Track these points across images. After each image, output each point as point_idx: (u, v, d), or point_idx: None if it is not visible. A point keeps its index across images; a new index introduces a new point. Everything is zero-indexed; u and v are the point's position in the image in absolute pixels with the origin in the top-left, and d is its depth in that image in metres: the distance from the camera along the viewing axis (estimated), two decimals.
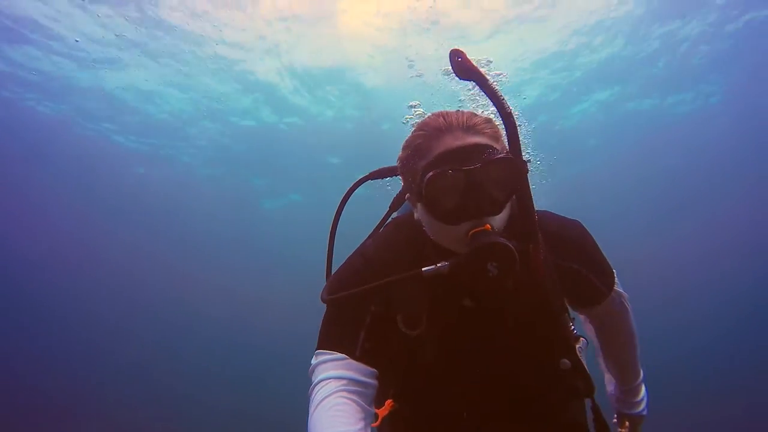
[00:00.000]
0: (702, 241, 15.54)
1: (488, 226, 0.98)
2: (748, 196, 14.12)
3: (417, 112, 5.11)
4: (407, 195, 1.15)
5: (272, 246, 16.72)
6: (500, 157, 0.98)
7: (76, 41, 7.83)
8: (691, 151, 12.78)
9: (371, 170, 1.36)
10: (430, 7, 7.51)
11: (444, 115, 1.05)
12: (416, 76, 6.87)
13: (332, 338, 1.10)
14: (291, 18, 8.05)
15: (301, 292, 8.34)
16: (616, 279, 1.29)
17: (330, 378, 1.02)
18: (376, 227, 1.34)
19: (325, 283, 1.24)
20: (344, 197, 1.37)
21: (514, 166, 0.99)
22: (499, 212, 1.01)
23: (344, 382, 1.02)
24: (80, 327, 15.50)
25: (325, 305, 1.15)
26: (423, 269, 1.03)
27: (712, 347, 14.11)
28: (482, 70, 1.10)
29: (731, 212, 14.60)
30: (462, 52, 1.07)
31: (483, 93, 1.05)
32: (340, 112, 11.09)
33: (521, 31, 8.46)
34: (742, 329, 14.60)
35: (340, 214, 1.38)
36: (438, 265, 1.02)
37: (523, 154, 1.04)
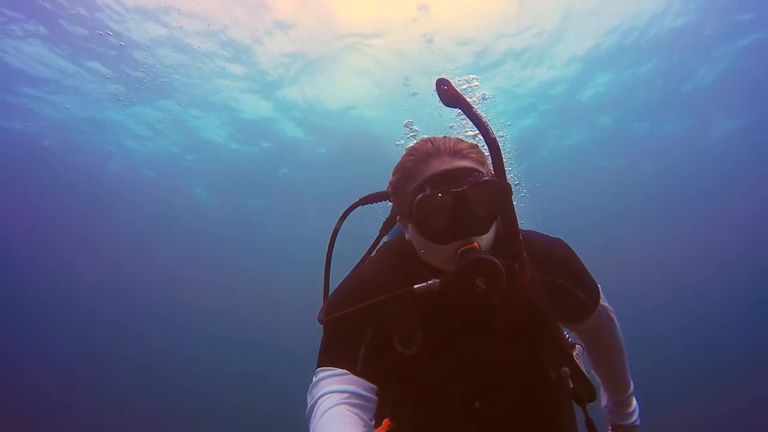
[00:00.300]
0: (697, 242, 15.64)
1: (476, 244, 1.02)
2: (741, 199, 14.22)
3: (412, 132, 5.24)
4: (398, 217, 1.20)
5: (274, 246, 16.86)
6: (486, 180, 1.03)
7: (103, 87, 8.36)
8: (686, 160, 13.00)
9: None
10: (428, 33, 7.79)
11: (432, 141, 1.10)
12: (411, 95, 7.12)
13: (332, 355, 1.12)
14: (292, 55, 8.44)
15: (301, 290, 8.40)
16: (601, 293, 1.33)
17: (333, 392, 1.04)
18: (369, 250, 1.37)
19: (321, 305, 1.27)
20: (338, 222, 1.39)
21: (498, 188, 1.04)
22: (486, 231, 1.05)
23: (347, 395, 1.04)
24: (86, 329, 15.89)
25: (323, 326, 1.18)
26: (414, 287, 1.07)
27: (706, 348, 14.23)
28: (468, 97, 1.17)
29: (724, 215, 14.72)
30: (448, 80, 1.14)
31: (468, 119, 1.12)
32: (339, 145, 11.44)
33: (524, 60, 8.81)
34: (736, 330, 14.70)
35: (335, 239, 1.39)
36: (429, 282, 1.06)
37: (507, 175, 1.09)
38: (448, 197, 1.01)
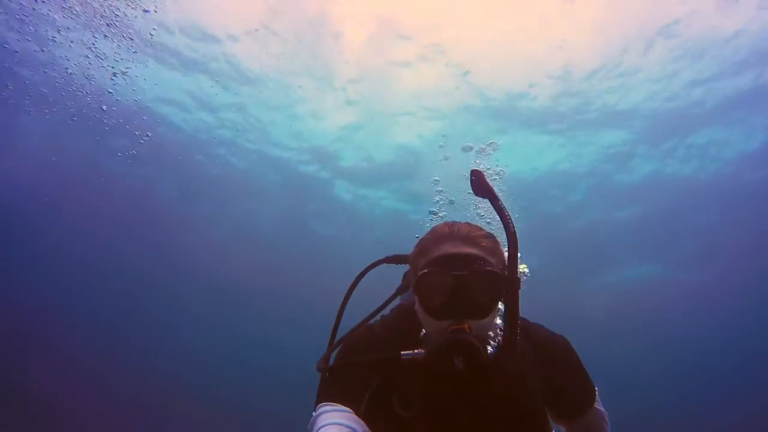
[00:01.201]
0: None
1: (466, 326, 1.07)
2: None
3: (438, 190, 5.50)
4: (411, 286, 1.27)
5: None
6: (486, 270, 1.10)
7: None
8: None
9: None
10: None
11: (450, 225, 1.20)
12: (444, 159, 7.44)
13: (338, 393, 1.16)
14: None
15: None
16: (597, 397, 1.35)
17: (336, 423, 1.05)
18: (380, 306, 1.43)
19: (325, 351, 1.32)
20: (359, 276, 1.45)
21: (498, 280, 1.11)
22: (481, 317, 1.10)
23: (349, 430, 1.05)
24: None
25: (331, 369, 1.23)
26: (402, 353, 1.14)
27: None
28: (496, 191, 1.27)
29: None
30: (480, 172, 1.26)
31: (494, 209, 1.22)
32: None
33: None
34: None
35: (352, 290, 1.46)
36: (415, 351, 1.13)
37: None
38: (448, 278, 1.09)
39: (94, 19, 7.55)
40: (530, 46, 8.19)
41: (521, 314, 1.16)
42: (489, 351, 1.10)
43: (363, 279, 1.46)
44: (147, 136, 10.98)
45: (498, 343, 1.15)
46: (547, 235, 12.79)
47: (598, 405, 1.36)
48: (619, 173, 11.31)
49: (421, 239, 1.24)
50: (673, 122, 9.55)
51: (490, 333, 1.17)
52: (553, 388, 1.25)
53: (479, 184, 1.20)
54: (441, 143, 8.55)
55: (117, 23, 7.67)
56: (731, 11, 7.17)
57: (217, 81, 9.51)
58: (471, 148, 6.31)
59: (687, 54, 8.01)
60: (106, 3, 7.21)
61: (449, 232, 1.18)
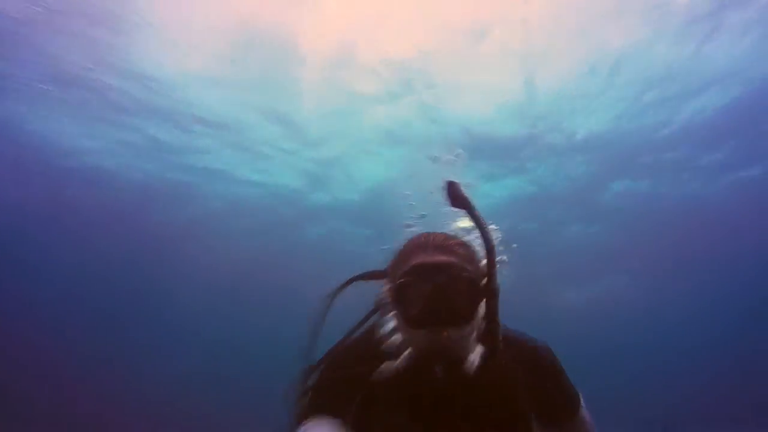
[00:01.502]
0: None
1: (445, 333, 1.07)
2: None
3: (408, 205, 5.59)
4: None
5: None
6: (462, 276, 1.09)
7: None
8: None
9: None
10: None
11: (425, 235, 1.21)
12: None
13: (326, 406, 1.16)
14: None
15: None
16: (581, 403, 1.35)
17: None
18: (362, 319, 1.39)
19: (301, 369, 1.29)
20: (331, 295, 1.39)
21: (475, 287, 1.10)
22: (458, 324, 1.09)
23: None
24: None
25: (317, 383, 1.23)
26: (382, 365, 1.12)
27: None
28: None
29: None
30: (456, 183, 1.26)
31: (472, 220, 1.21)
32: None
33: None
34: None
35: (327, 309, 1.38)
36: (396, 362, 1.11)
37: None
38: (425, 287, 1.08)
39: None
40: (496, 74, 8.41)
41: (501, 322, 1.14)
42: (470, 359, 1.09)
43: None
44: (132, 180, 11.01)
45: (479, 350, 1.13)
46: (520, 251, 13.12)
47: (583, 411, 1.35)
48: (588, 192, 11.67)
49: (399, 249, 1.23)
50: (639, 142, 9.96)
51: (471, 341, 1.15)
52: (537, 394, 1.24)
53: (455, 195, 1.19)
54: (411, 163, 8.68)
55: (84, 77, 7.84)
56: (688, 37, 7.62)
57: (177, 121, 9.31)
58: (438, 159, 6.39)
59: (651, 76, 8.42)
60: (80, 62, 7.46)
61: (424, 242, 1.18)
